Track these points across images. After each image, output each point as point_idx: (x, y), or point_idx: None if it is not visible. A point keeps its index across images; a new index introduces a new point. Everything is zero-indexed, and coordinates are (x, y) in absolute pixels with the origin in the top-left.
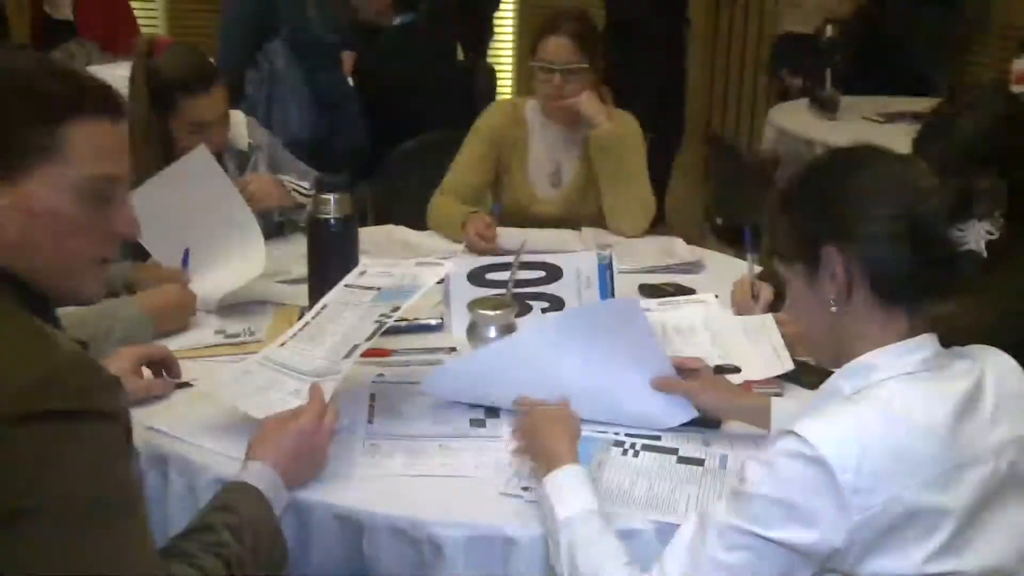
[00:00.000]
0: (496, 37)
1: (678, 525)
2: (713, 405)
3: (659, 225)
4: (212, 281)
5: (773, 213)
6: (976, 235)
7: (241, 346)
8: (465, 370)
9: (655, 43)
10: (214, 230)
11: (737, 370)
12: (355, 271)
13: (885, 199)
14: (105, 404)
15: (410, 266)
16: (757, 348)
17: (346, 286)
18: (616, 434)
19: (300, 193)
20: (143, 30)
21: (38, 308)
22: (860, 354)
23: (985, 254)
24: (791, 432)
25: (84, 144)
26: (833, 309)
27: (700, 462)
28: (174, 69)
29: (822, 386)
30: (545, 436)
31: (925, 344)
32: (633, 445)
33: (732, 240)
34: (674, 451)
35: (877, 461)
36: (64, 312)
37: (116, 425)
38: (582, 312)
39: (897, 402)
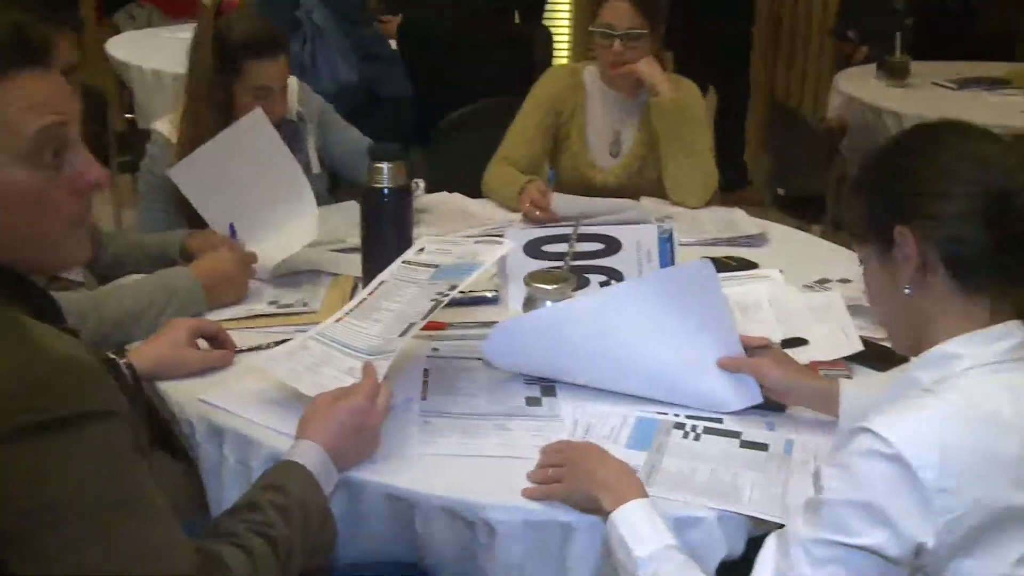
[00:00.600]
0: (553, 2)
1: (740, 515)
2: (779, 384)
3: (741, 189)
4: (265, 248)
5: (848, 189)
6: None
7: (295, 317)
8: (525, 330)
9: (720, 6)
10: (268, 195)
11: (804, 342)
12: (413, 248)
13: (963, 176)
14: (101, 403)
15: (469, 244)
16: (824, 327)
17: (404, 263)
18: (676, 416)
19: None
20: None
21: (22, 297)
22: (939, 341)
23: None
24: (866, 429)
25: (18, 105)
26: (907, 292)
27: (764, 447)
28: (243, 31)
29: (897, 377)
30: (598, 468)
31: (1011, 331)
32: (695, 428)
33: (795, 211)
34: (737, 435)
35: (961, 459)
36: (118, 283)
37: (116, 421)
38: (656, 278)
39: (980, 395)
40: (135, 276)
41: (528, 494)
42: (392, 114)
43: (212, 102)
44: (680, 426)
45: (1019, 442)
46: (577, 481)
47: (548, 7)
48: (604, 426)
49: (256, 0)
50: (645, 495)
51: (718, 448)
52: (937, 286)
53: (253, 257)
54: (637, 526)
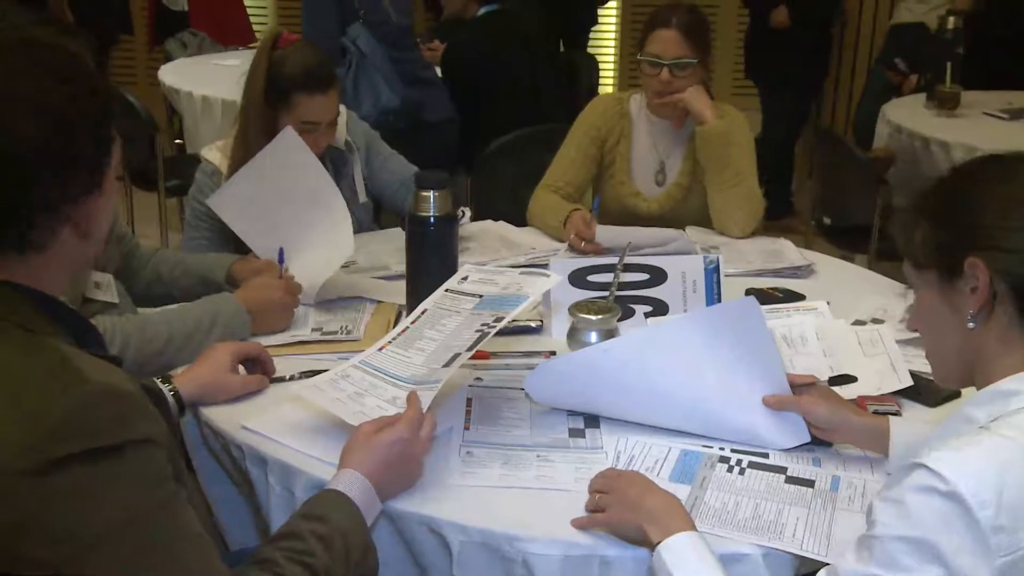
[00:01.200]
0: (598, 30)
1: (785, 552)
2: (826, 422)
3: (787, 217)
4: (306, 268)
5: (910, 215)
6: None
7: (337, 344)
8: (567, 370)
9: (800, 47)
10: (303, 213)
11: (853, 379)
12: (456, 276)
13: None
14: (140, 431)
15: (515, 274)
16: (873, 361)
17: (447, 291)
18: (722, 449)
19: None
20: (258, 25)
21: (62, 325)
22: (995, 377)
23: None
24: (921, 464)
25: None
26: (971, 325)
27: (810, 483)
28: (296, 65)
29: (952, 413)
30: (646, 498)
31: None
32: (740, 462)
33: (840, 240)
34: (782, 470)
35: (1019, 498)
36: (163, 308)
37: (154, 448)
38: (701, 316)
39: None
40: (177, 305)
41: (576, 524)
42: (437, 139)
43: (262, 132)
44: (725, 460)
45: None
46: (624, 511)
47: (593, 35)
48: (648, 458)
49: (304, 30)
50: (693, 527)
51: (763, 483)
52: (1003, 320)
53: (299, 287)
54: (685, 558)
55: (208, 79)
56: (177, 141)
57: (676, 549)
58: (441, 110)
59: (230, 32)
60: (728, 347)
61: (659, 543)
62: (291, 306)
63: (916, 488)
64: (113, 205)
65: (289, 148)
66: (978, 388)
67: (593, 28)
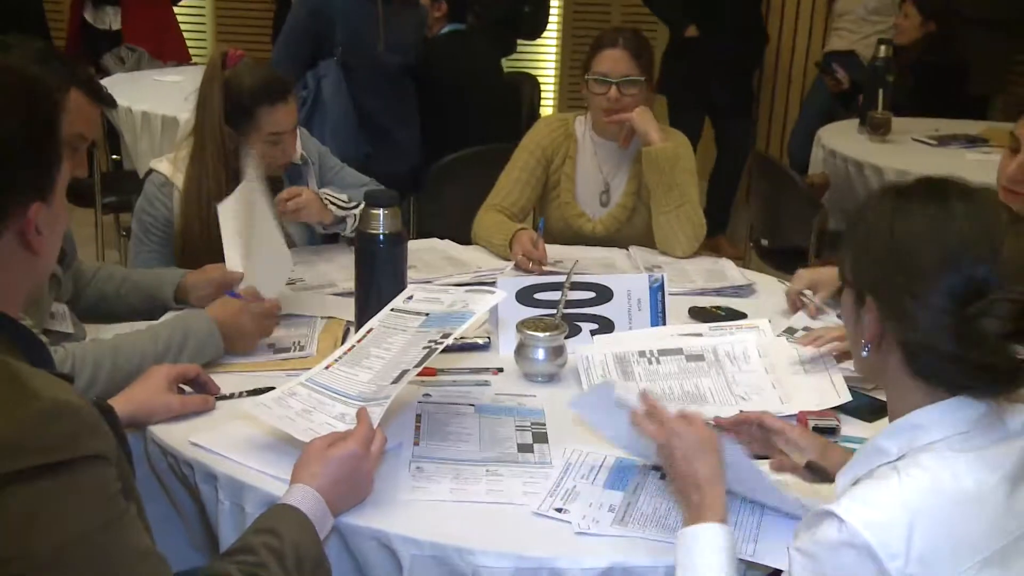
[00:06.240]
0: (540, 52)
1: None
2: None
3: (716, 237)
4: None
5: (844, 234)
6: None
7: (291, 362)
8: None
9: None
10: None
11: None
12: (402, 296)
13: (938, 279)
14: (91, 447)
15: (460, 292)
16: (812, 378)
17: (392, 310)
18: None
19: (337, 206)
20: (194, 39)
21: (14, 342)
22: (900, 405)
23: None
24: (832, 514)
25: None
26: (864, 354)
27: None
28: (255, 79)
29: (865, 444)
30: (699, 468)
31: (971, 402)
32: None
33: (778, 262)
34: None
35: (928, 544)
36: (132, 330)
37: (104, 465)
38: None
39: (946, 473)
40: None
41: (638, 421)
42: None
43: (221, 150)
44: (658, 468)
45: (985, 519)
46: (679, 465)
47: (535, 57)
48: (583, 466)
49: (274, 55)
50: (722, 519)
51: None
52: (892, 361)
53: (272, 311)
54: (695, 553)
55: (147, 95)
56: (114, 157)
57: (690, 539)
58: (398, 162)
59: (167, 49)
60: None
61: (685, 527)
62: (268, 331)
63: (829, 544)
64: (63, 229)
65: (253, 191)
66: (890, 409)
67: (534, 50)
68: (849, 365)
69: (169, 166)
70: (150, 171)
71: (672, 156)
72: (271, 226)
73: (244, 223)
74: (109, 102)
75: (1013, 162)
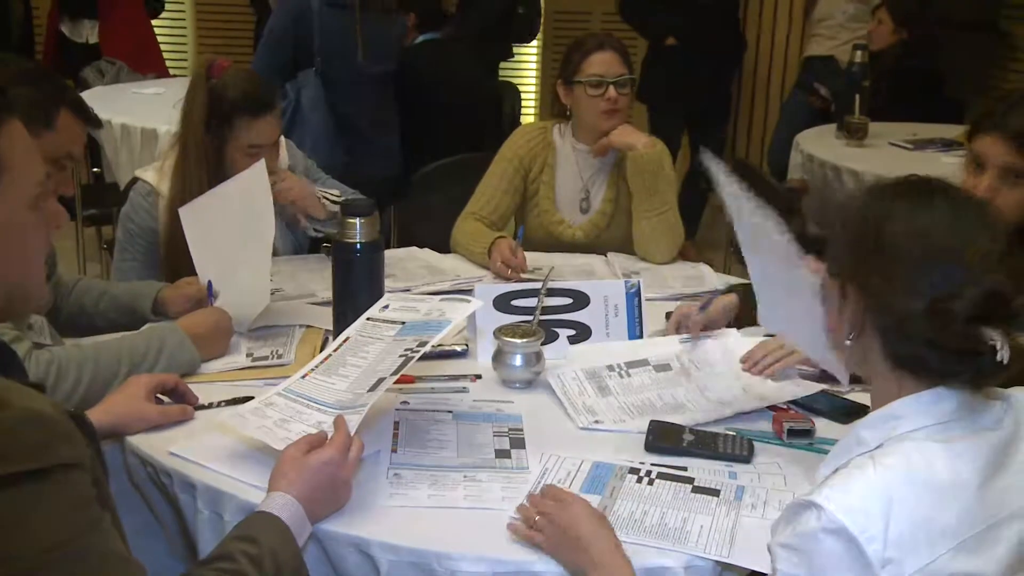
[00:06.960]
0: (519, 60)
1: (690, 555)
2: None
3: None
4: (236, 298)
5: (829, 230)
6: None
7: (269, 370)
8: None
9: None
10: (243, 252)
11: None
12: (378, 305)
13: (916, 269)
14: (64, 455)
15: (435, 301)
16: (780, 381)
17: (368, 319)
18: (630, 461)
19: (331, 201)
20: (174, 52)
21: None
22: (880, 395)
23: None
24: (812, 504)
25: (22, 152)
26: (847, 343)
27: (716, 492)
28: (238, 90)
29: (847, 434)
30: (584, 529)
31: (949, 393)
32: (649, 473)
33: None
34: (690, 480)
35: (904, 529)
36: (109, 339)
37: (78, 473)
38: None
39: (921, 461)
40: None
41: (512, 529)
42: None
43: (203, 160)
44: (635, 471)
45: (959, 506)
46: (564, 544)
47: (515, 66)
48: (560, 471)
49: (255, 62)
50: (621, 557)
51: (670, 493)
52: (873, 350)
53: (231, 321)
54: None
55: (127, 107)
56: (95, 170)
57: None
58: (377, 168)
59: (145, 61)
60: None
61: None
62: (229, 329)
63: (810, 533)
64: (41, 242)
65: (255, 183)
66: (872, 401)
67: (511, 59)
68: (808, 365)
69: (155, 175)
70: (135, 180)
71: (657, 161)
72: (261, 246)
73: (218, 228)
74: (96, 123)
75: (980, 185)
